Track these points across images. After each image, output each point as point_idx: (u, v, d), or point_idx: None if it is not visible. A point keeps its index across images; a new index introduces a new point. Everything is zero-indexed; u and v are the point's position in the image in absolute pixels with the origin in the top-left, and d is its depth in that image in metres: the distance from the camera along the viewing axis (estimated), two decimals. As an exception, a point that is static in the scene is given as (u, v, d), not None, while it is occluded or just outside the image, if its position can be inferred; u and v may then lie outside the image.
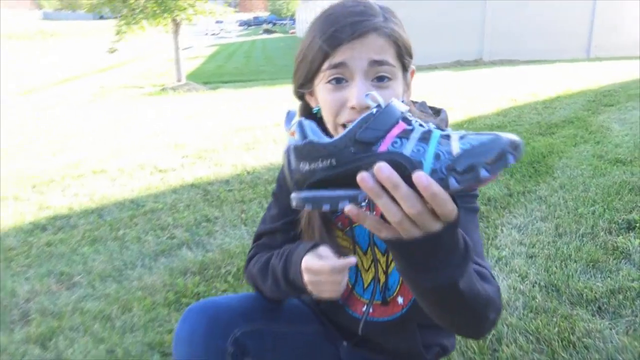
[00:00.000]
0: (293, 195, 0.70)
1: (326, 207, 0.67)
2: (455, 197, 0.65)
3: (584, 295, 1.96)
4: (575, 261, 2.23)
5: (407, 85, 0.98)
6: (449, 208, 0.63)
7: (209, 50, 26.79)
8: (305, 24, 30.63)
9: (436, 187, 0.61)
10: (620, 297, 1.94)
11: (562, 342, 1.69)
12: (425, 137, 0.65)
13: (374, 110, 0.67)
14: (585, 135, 4.42)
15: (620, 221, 2.60)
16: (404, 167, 0.63)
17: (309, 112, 1.00)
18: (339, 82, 0.88)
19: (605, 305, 1.90)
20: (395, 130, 0.65)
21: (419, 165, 0.63)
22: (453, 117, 5.58)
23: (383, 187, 0.62)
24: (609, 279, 2.07)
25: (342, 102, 0.89)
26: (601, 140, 4.20)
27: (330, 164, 0.66)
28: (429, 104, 1.07)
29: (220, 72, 15.93)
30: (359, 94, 0.85)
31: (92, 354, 1.79)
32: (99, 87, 13.39)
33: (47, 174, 4.24)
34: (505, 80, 9.04)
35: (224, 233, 2.80)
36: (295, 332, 1.18)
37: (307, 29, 0.95)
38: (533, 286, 2.06)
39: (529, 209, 2.87)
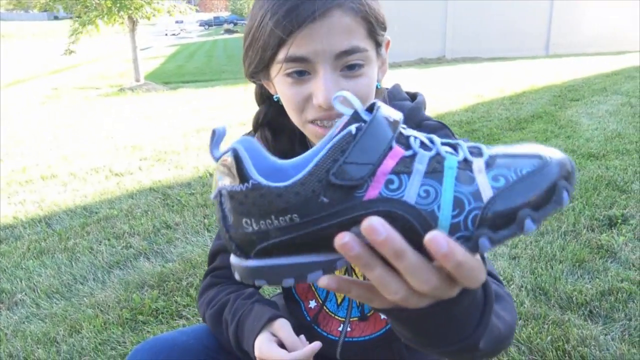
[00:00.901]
0: (235, 263, 0.46)
1: (288, 282, 0.44)
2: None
3: (574, 298, 1.84)
4: (561, 261, 2.11)
5: (382, 62, 0.80)
6: (478, 278, 0.42)
7: (168, 50, 26.17)
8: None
9: (461, 255, 0.39)
10: (612, 299, 1.83)
11: (556, 351, 1.56)
12: (435, 169, 0.43)
13: (353, 128, 0.42)
14: (555, 130, 4.37)
15: (601, 217, 2.51)
16: (410, 224, 0.41)
17: (268, 98, 0.82)
18: (300, 74, 0.69)
19: (596, 309, 1.78)
20: (389, 162, 0.43)
21: (432, 220, 0.41)
22: (421, 114, 5.47)
23: (376, 253, 0.41)
24: (597, 279, 1.96)
25: (305, 98, 0.70)
26: (572, 134, 4.15)
27: (291, 220, 0.42)
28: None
29: (181, 72, 15.52)
30: (326, 90, 0.67)
31: (32, 387, 1.57)
32: (51, 88, 12.82)
33: (-8, 181, 3.92)
34: (470, 77, 9.03)
35: (185, 240, 2.59)
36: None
37: (253, 4, 0.75)
38: (520, 290, 1.93)
39: (507, 206, 2.75)
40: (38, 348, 1.76)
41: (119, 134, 5.66)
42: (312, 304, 0.96)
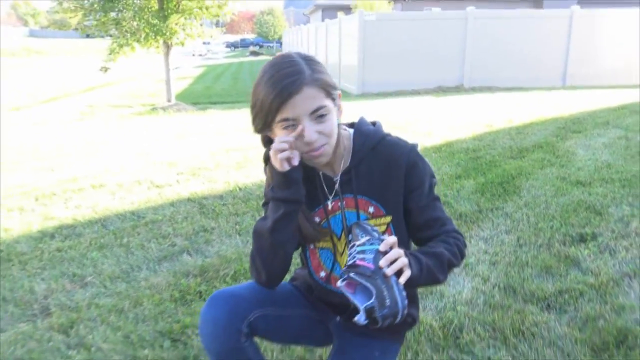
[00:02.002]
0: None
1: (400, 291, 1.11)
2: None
3: (536, 294, 2.28)
4: (531, 267, 2.56)
5: (338, 107, 1.31)
6: (392, 241, 1.19)
7: (196, 71, 27.15)
8: (292, 47, 31.22)
9: (386, 240, 1.18)
10: (566, 296, 2.26)
11: (513, 331, 2.00)
12: (363, 251, 1.17)
13: (358, 279, 1.11)
14: (552, 159, 4.80)
15: (574, 234, 2.94)
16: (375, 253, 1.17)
17: (270, 142, 1.31)
18: (292, 128, 1.21)
19: (553, 303, 2.22)
20: (362, 262, 1.15)
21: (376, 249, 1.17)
22: (433, 141, 5.95)
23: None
24: (558, 282, 2.40)
25: (297, 140, 1.23)
26: (566, 164, 4.58)
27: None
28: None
29: (209, 93, 16.24)
30: (309, 135, 1.20)
31: (110, 339, 2.06)
32: (87, 105, 13.61)
33: (47, 188, 4.47)
34: (483, 106, 9.48)
35: (220, 242, 3.08)
36: (293, 315, 1.49)
37: (253, 88, 1.26)
38: (493, 287, 2.38)
39: (496, 223, 3.20)
40: (110, 315, 2.25)
41: (154, 151, 6.23)
42: (322, 274, 1.45)
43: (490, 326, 2.05)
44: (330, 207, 1.39)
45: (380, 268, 1.10)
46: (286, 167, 1.23)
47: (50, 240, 3.23)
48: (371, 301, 1.07)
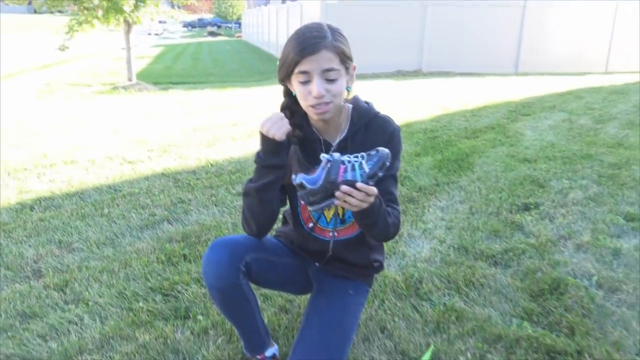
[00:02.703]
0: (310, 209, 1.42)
1: (325, 207, 1.39)
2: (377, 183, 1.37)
3: (485, 253, 2.60)
4: (482, 231, 2.88)
5: (350, 77, 1.55)
6: (374, 192, 1.32)
7: (154, 50, 26.62)
8: (251, 28, 31.00)
9: (367, 187, 1.32)
10: (511, 254, 2.59)
11: (465, 281, 2.31)
12: (354, 168, 1.34)
13: (329, 165, 1.36)
14: (502, 139, 5.18)
15: (519, 204, 3.29)
16: (354, 183, 1.32)
17: (290, 94, 1.54)
18: (305, 81, 1.45)
19: (499, 260, 2.55)
20: (341, 170, 1.34)
21: (357, 179, 1.33)
22: (392, 121, 6.24)
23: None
24: (504, 243, 2.73)
25: (307, 92, 1.46)
26: (515, 143, 4.97)
27: (320, 193, 1.36)
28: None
29: (169, 73, 16.06)
30: (318, 88, 1.43)
31: (105, 295, 2.25)
32: (44, 83, 13.29)
33: (18, 164, 4.53)
34: (440, 90, 9.87)
35: (198, 212, 3.28)
36: (280, 262, 1.73)
37: (285, 43, 1.49)
38: (449, 248, 2.68)
39: (451, 195, 3.52)
40: (102, 275, 2.44)
41: (122, 129, 6.30)
42: (310, 225, 1.69)
43: (446, 279, 2.35)
44: None
45: (339, 186, 1.35)
46: (284, 137, 1.46)
47: (31, 211, 3.35)
48: (310, 186, 1.37)
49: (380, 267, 1.78)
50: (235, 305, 1.58)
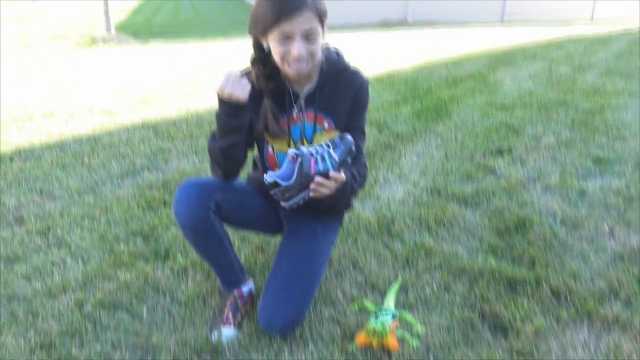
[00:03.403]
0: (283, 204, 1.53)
1: (299, 200, 1.49)
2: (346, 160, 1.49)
3: (457, 194, 2.69)
4: (455, 174, 2.96)
5: (324, 33, 1.56)
6: (344, 179, 1.41)
7: (131, 2, 25.86)
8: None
9: (338, 175, 1.43)
10: (481, 195, 2.68)
11: (435, 220, 2.40)
12: (324, 158, 1.43)
13: (300, 160, 1.43)
14: (482, 87, 5.22)
15: (493, 149, 3.37)
16: (327, 173, 1.41)
17: (261, 47, 1.56)
18: (285, 40, 1.46)
19: (470, 200, 2.64)
20: (312, 162, 1.43)
21: (329, 169, 1.43)
22: (376, 72, 6.24)
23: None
24: (476, 185, 2.82)
25: (287, 52, 1.48)
26: (494, 91, 5.02)
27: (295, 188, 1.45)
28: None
29: (149, 25, 15.67)
30: (298, 50, 1.45)
31: (87, 239, 2.31)
32: (20, 34, 12.94)
33: (-4, 116, 4.50)
34: (425, 40, 9.80)
35: (178, 160, 3.32)
36: (251, 202, 1.79)
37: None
38: (422, 190, 2.77)
39: (428, 141, 3.59)
40: (83, 221, 2.50)
41: (101, 81, 6.22)
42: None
43: (417, 219, 2.44)
44: (294, 116, 1.67)
45: (313, 178, 1.44)
46: (246, 98, 1.49)
47: (11, 162, 3.36)
48: (285, 183, 1.43)
49: (348, 206, 1.85)
50: (207, 242, 1.65)
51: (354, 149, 1.49)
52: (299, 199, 1.46)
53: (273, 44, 1.48)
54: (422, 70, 6.35)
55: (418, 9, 15.27)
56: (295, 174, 1.41)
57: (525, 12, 15.76)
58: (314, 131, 1.66)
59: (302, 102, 1.65)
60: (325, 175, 1.42)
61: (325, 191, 1.44)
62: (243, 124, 1.55)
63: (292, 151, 1.44)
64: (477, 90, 5.09)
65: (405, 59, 7.23)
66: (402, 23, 14.59)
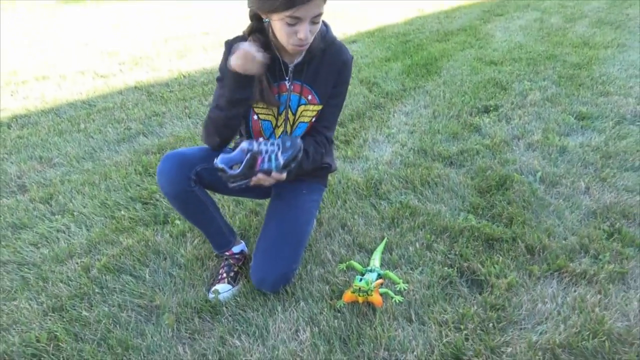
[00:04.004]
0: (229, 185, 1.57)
1: (242, 185, 1.56)
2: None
3: (442, 154, 2.80)
4: (441, 134, 3.06)
5: None
6: (282, 178, 1.57)
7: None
8: None
9: (279, 175, 1.54)
10: (466, 155, 2.79)
11: (421, 181, 2.52)
12: (271, 158, 1.52)
13: (249, 155, 1.52)
14: (472, 41, 5.23)
15: (480, 106, 3.45)
16: (270, 172, 1.53)
17: (260, 20, 1.62)
18: (293, 23, 1.50)
19: (454, 160, 2.75)
20: (260, 160, 1.53)
21: (272, 169, 1.53)
22: (367, 27, 6.22)
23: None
24: (461, 144, 2.92)
25: (293, 33, 1.53)
26: (484, 45, 5.03)
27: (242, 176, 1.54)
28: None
29: (136, -22, 15.33)
30: (305, 33, 1.51)
31: (89, 205, 2.43)
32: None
33: (-11, 81, 4.53)
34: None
35: (172, 124, 3.40)
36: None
37: None
38: (409, 151, 2.87)
39: (416, 99, 3.66)
40: (84, 187, 2.60)
41: (91, 41, 6.19)
42: (260, 139, 1.82)
43: (404, 179, 2.55)
44: (284, 86, 1.73)
45: (256, 173, 1.56)
46: (261, 70, 1.55)
47: (8, 129, 3.44)
48: (230, 172, 1.54)
49: (330, 168, 1.96)
50: (192, 209, 1.76)
51: (300, 155, 1.59)
52: (240, 184, 1.58)
53: (279, 23, 1.51)
54: (414, 23, 6.32)
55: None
56: (242, 166, 1.53)
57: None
58: (299, 103, 1.74)
59: (291, 73, 1.72)
60: (268, 172, 1.55)
61: (264, 184, 1.58)
62: (251, 95, 1.62)
63: (244, 145, 1.54)
64: (467, 44, 5.10)
65: (397, 11, 7.17)
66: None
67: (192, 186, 1.70)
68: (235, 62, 1.53)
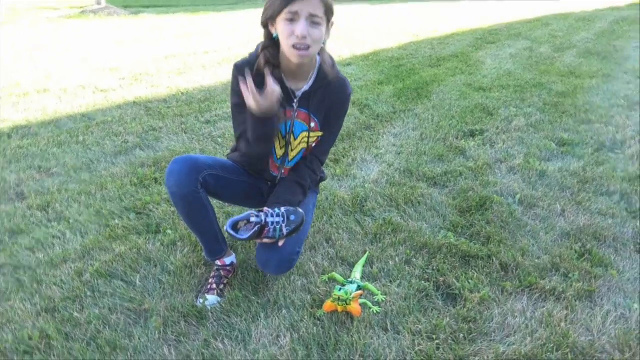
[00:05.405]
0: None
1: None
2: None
3: (427, 175, 2.91)
4: (427, 155, 3.17)
5: (328, 32, 1.75)
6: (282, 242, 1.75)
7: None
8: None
9: (281, 241, 1.73)
10: (449, 176, 2.90)
11: (405, 199, 2.62)
12: (276, 229, 1.68)
13: (257, 228, 1.66)
14: (463, 67, 5.40)
15: (466, 130, 3.58)
16: (272, 239, 1.72)
17: (271, 38, 1.74)
18: (291, 21, 1.63)
19: (438, 181, 2.86)
20: (265, 231, 1.68)
21: (276, 238, 1.71)
22: (362, 50, 6.39)
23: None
24: (446, 166, 3.04)
25: (292, 31, 1.65)
26: (474, 72, 5.20)
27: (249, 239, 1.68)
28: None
29: (140, -5, 15.62)
30: (302, 29, 1.62)
31: (84, 214, 2.52)
32: (9, 8, 12.87)
33: (-8, 92, 4.64)
34: (413, 15, 9.89)
35: (169, 139, 3.51)
36: (237, 180, 2.00)
37: None
38: (395, 171, 2.98)
39: (406, 122, 3.79)
40: (80, 197, 2.69)
41: (93, 56, 6.34)
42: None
43: (388, 197, 2.66)
44: (289, 113, 1.85)
45: (262, 239, 1.72)
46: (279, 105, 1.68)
47: (9, 139, 3.54)
48: (238, 236, 1.68)
49: (324, 178, 2.10)
50: (195, 211, 1.85)
51: (301, 228, 1.76)
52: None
53: (281, 25, 1.64)
54: (407, 48, 6.50)
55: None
56: (250, 235, 1.68)
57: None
58: (302, 129, 1.86)
59: (297, 100, 1.83)
60: (272, 239, 1.72)
61: (268, 243, 1.75)
62: (275, 129, 1.74)
63: (254, 219, 1.68)
64: (458, 70, 5.27)
65: (393, 35, 7.37)
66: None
67: (199, 189, 1.80)
68: (260, 109, 1.63)
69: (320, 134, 1.90)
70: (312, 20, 1.62)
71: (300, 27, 1.60)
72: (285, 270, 1.93)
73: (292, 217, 1.73)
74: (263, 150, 1.81)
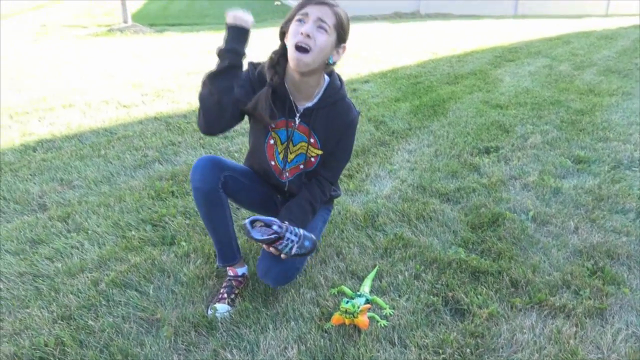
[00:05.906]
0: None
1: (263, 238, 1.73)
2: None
3: (440, 191, 2.92)
4: (441, 172, 3.19)
5: (337, 52, 1.80)
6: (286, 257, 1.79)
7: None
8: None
9: (286, 256, 1.78)
10: (462, 192, 2.91)
11: (416, 215, 2.64)
12: (287, 245, 1.73)
13: (274, 236, 1.71)
14: (481, 85, 5.40)
15: (481, 147, 3.58)
16: (280, 252, 1.76)
17: (283, 48, 1.79)
18: (300, 22, 1.71)
19: (451, 197, 2.87)
20: (279, 242, 1.72)
21: (283, 252, 1.76)
22: (380, 67, 6.44)
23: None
24: (459, 182, 3.04)
25: (298, 31, 1.71)
26: (492, 89, 5.20)
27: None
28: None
29: (165, 14, 15.96)
30: (307, 27, 1.69)
31: (102, 225, 2.59)
32: (40, 25, 13.28)
33: (19, 107, 4.80)
34: (434, 34, 9.94)
35: (187, 153, 3.58)
36: (254, 187, 2.06)
37: None
38: (408, 186, 3.00)
39: (421, 138, 3.81)
40: (99, 209, 2.77)
41: (118, 72, 6.50)
42: (272, 162, 1.98)
43: (400, 213, 2.68)
44: (291, 122, 1.90)
45: (273, 247, 1.76)
46: (250, 24, 1.72)
47: (34, 152, 3.65)
48: (254, 234, 1.71)
49: (337, 195, 2.14)
50: (214, 210, 1.91)
51: (309, 254, 1.84)
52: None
53: (291, 28, 1.72)
54: (426, 66, 6.53)
55: (431, 2, 15.34)
56: (265, 238, 1.72)
57: (539, 6, 15.76)
58: (301, 139, 1.92)
59: (299, 115, 1.89)
60: (279, 251, 1.76)
61: (275, 253, 1.78)
62: (241, 50, 1.73)
63: (276, 227, 1.73)
64: (476, 88, 5.27)
65: (412, 53, 7.41)
66: (414, 15, 14.68)
67: (219, 187, 1.87)
68: (232, 15, 1.72)
69: (320, 152, 1.94)
70: (320, 25, 1.70)
71: (307, 26, 1.68)
72: (283, 283, 1.97)
73: (307, 243, 1.78)
74: (217, 97, 1.71)
